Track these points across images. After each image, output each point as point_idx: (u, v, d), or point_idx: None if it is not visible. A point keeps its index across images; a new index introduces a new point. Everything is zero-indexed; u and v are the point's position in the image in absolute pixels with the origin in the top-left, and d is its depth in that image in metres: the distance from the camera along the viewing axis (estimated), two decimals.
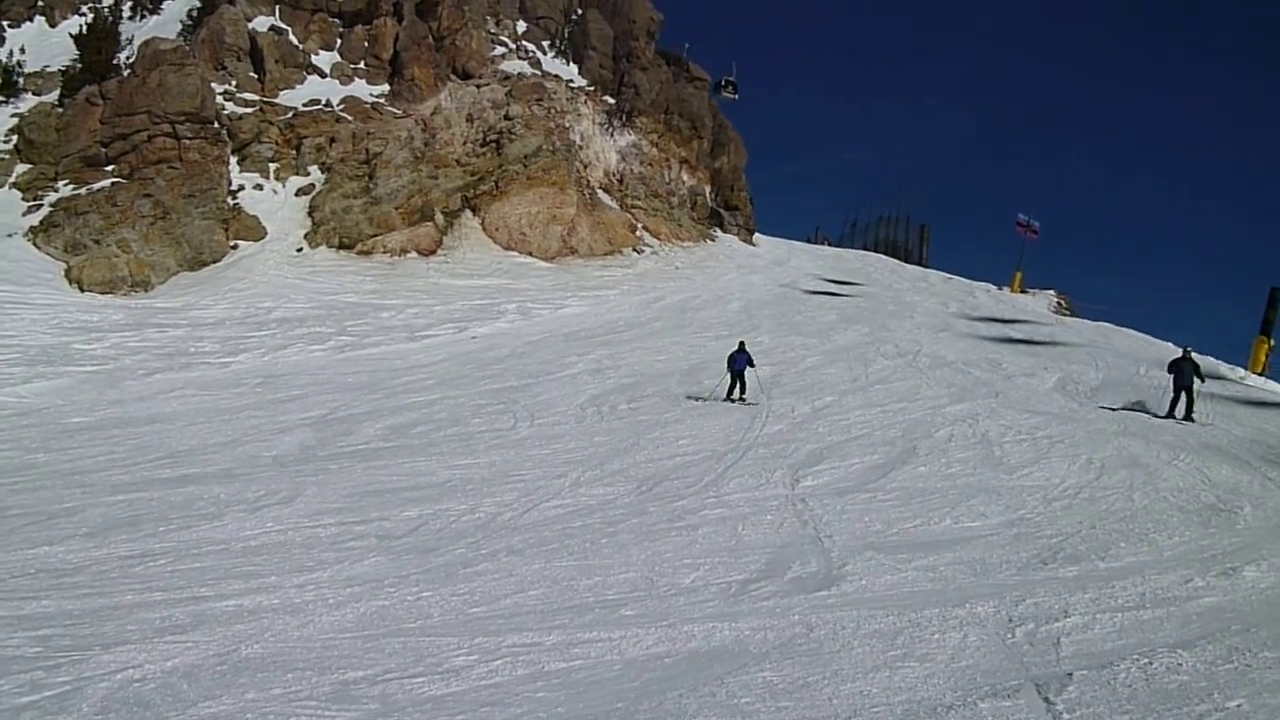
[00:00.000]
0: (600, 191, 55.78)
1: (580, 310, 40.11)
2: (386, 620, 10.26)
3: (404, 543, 13.30)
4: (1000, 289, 58.88)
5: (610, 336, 33.50)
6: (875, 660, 8.88)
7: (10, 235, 41.49)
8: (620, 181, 57.69)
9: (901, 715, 7.50)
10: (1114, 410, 23.04)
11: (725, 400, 23.72)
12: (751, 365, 24.23)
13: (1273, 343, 34.62)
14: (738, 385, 24.00)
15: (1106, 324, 42.82)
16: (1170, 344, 36.01)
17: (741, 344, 24.80)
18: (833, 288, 50.09)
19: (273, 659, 9.08)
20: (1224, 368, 30.55)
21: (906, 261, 75.71)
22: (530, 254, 49.26)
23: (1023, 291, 59.10)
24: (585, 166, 55.76)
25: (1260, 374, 31.82)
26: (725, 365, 24.58)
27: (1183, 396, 22.61)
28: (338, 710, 7.94)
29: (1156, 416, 22.50)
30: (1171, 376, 23.11)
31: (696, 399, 24.08)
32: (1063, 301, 59.70)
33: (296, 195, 48.46)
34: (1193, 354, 23.41)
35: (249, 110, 50.24)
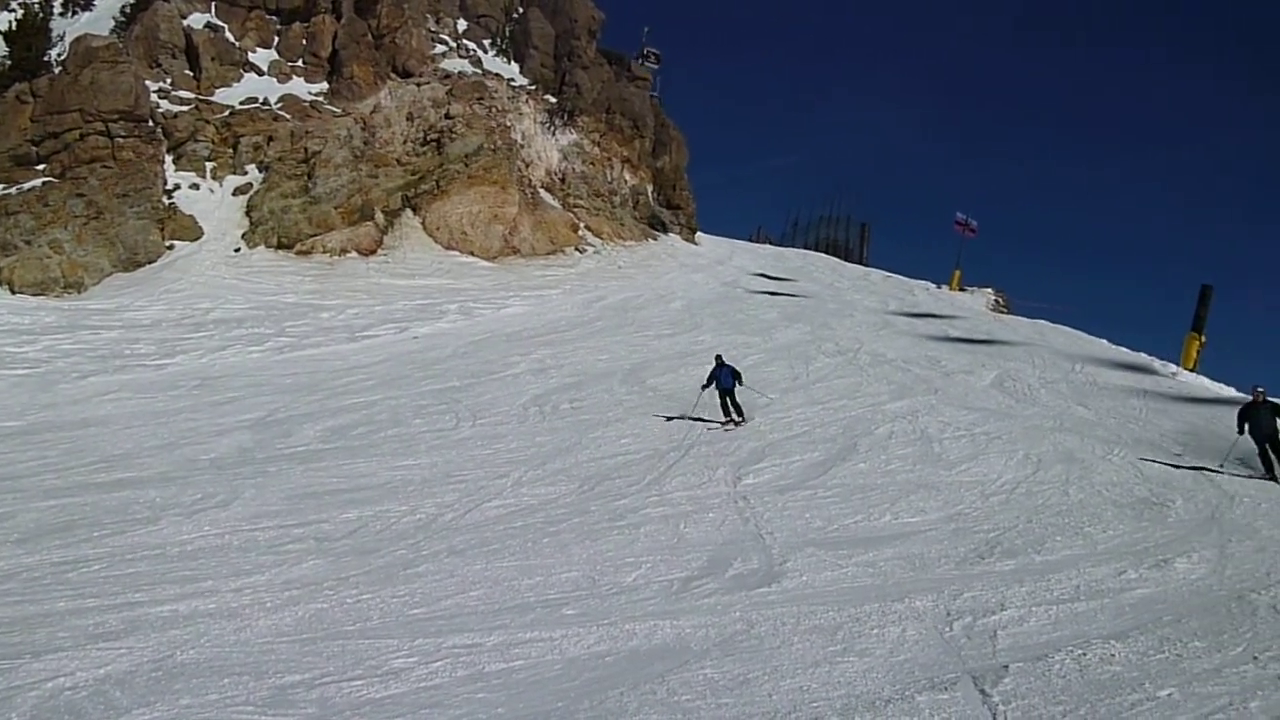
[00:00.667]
0: (542, 191, 55.66)
1: (523, 310, 39.99)
2: (325, 623, 10.16)
3: (343, 545, 13.18)
4: (939, 287, 59.50)
5: (553, 336, 33.44)
6: (815, 656, 8.95)
7: None
8: (562, 181, 57.60)
9: (840, 710, 7.56)
10: (1218, 471, 17.38)
11: (724, 425, 21.01)
12: (740, 382, 21.65)
13: (1204, 339, 35.30)
14: (731, 406, 21.48)
15: (1043, 322, 43.43)
16: (1104, 341, 36.61)
17: (720, 358, 22.38)
18: (775, 286, 50.34)
19: (209, 664, 8.97)
20: (1156, 364, 31.09)
21: (847, 260, 76.23)
22: (472, 253, 49.02)
23: (961, 289, 59.78)
24: (527, 166, 55.60)
25: (1192, 370, 32.41)
26: (710, 384, 21.74)
27: (1268, 451, 17.45)
28: (275, 715, 7.85)
29: (1254, 477, 17.27)
30: (1245, 425, 17.82)
31: (679, 418, 21.58)
32: (1000, 299, 60.43)
33: (234, 195, 47.86)
34: (1268, 398, 18.20)
35: (184, 108, 49.54)
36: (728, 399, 21.54)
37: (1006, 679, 8.10)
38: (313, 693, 8.33)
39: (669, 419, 21.77)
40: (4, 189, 42.70)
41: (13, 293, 37.87)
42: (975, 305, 53.16)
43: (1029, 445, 18.84)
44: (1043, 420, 21.36)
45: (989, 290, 61.72)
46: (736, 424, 21.06)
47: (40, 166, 43.41)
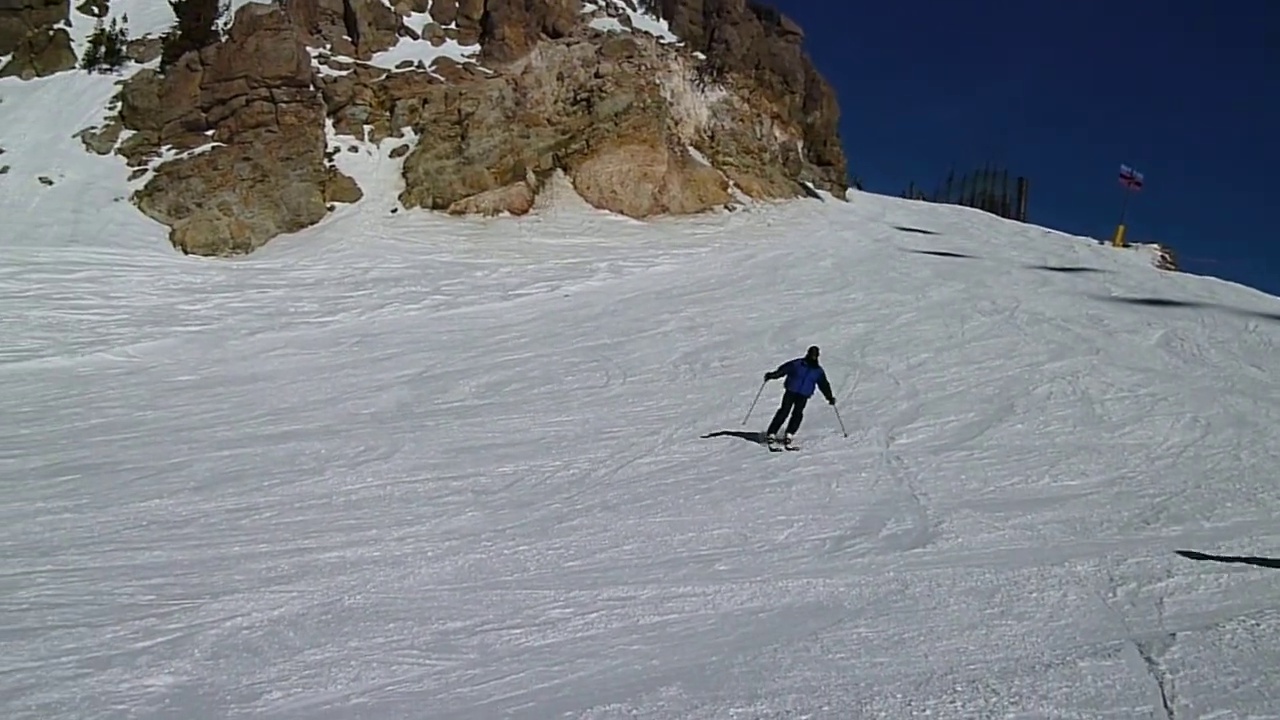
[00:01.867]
0: (691, 148, 55.45)
1: (672, 268, 40.04)
2: (484, 573, 10.42)
3: (500, 498, 13.48)
4: (1102, 243, 57.40)
5: (702, 294, 33.41)
6: (972, 618, 8.79)
7: (117, 200, 42.67)
8: (711, 138, 57.27)
9: (999, 673, 7.41)
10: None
11: (768, 441, 16.45)
12: (825, 387, 16.52)
13: None
14: (788, 418, 16.50)
15: (1213, 278, 41.56)
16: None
17: (813, 352, 16.85)
18: (928, 243, 49.28)
19: (375, 609, 9.29)
20: None
21: (1004, 216, 74.10)
22: (621, 212, 49.23)
23: (1126, 246, 57.54)
24: (676, 123, 55.44)
25: None
26: (781, 377, 16.75)
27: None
28: (438, 659, 8.09)
29: None
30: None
31: (710, 435, 17.06)
32: (1167, 255, 58.04)
33: (390, 156, 49.01)
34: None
35: (343, 73, 50.85)
36: (793, 408, 16.48)
37: (1174, 647, 7.82)
38: (473, 639, 8.56)
39: (702, 436, 17.09)
40: (176, 154, 44.62)
41: (185, 253, 39.63)
42: (1140, 262, 51.16)
43: (1197, 407, 18.09)
44: (1212, 382, 20.47)
45: (1155, 246, 59.31)
46: (785, 446, 16.16)
47: (209, 132, 45.20)
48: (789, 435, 16.35)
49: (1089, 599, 9.21)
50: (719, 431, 17.20)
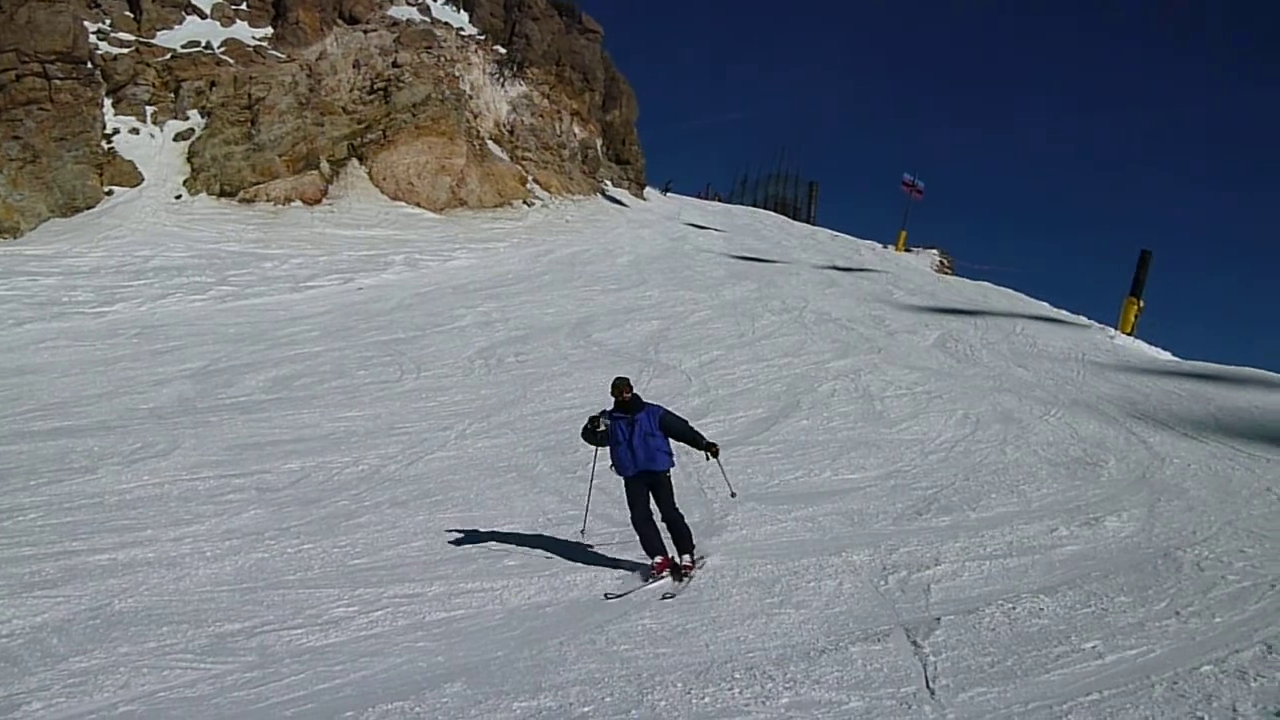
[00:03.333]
0: (490, 143, 55.14)
1: (469, 262, 39.75)
2: (266, 573, 10.17)
3: (285, 495, 13.15)
4: (885, 247, 59.87)
5: (499, 289, 33.30)
6: (752, 607, 9.09)
7: None
8: (511, 133, 57.09)
9: (776, 660, 7.70)
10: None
11: (651, 575, 10.06)
12: (679, 431, 10.37)
13: (1142, 304, 35.89)
14: (659, 529, 10.26)
15: (986, 283, 43.88)
16: (1045, 304, 37.09)
17: (620, 388, 10.41)
18: (723, 244, 50.40)
19: (147, 612, 8.95)
20: (1095, 327, 31.59)
21: (795, 219, 76.42)
22: (418, 205, 48.54)
23: (907, 250, 60.16)
24: (475, 117, 55.03)
25: (1129, 334, 32.96)
26: (605, 445, 10.40)
27: None
28: (213, 662, 7.87)
29: None
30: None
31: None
32: (945, 260, 60.92)
33: (175, 140, 46.93)
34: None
35: (124, 50, 48.39)
36: (654, 504, 10.22)
37: (938, 631, 8.28)
38: (252, 640, 8.35)
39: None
40: None
41: None
42: (920, 266, 53.60)
43: (968, 404, 19.12)
44: (983, 380, 21.67)
45: (934, 251, 62.18)
46: (684, 572, 10.04)
47: None
48: (680, 559, 10.13)
49: (863, 587, 9.64)
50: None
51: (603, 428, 10.27)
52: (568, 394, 19.67)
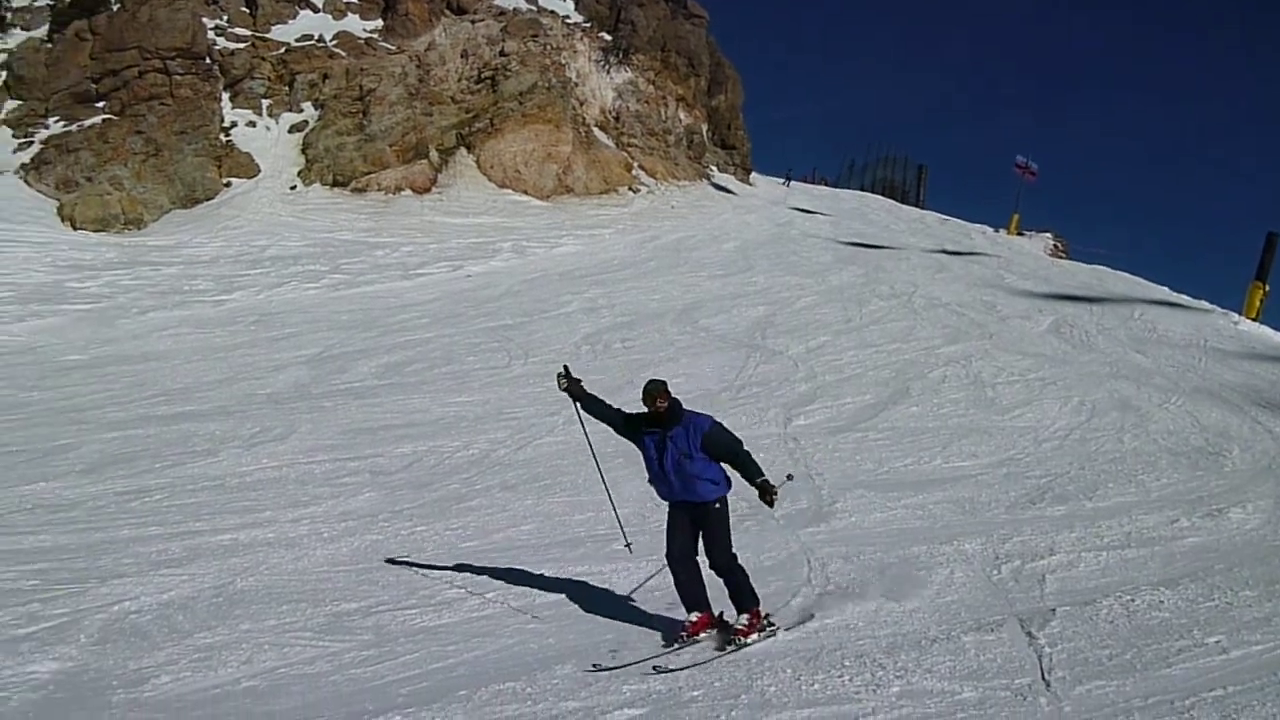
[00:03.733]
0: (596, 129, 55.35)
1: (575, 249, 40.00)
2: (380, 554, 10.39)
3: (398, 479, 13.41)
4: (997, 231, 58.66)
5: (605, 275, 33.44)
6: (862, 595, 9.00)
7: (1, 173, 41.22)
8: (616, 119, 57.23)
9: (886, 648, 7.62)
10: None
11: (674, 640, 7.98)
12: (731, 454, 8.05)
13: (1268, 288, 34.55)
14: (697, 576, 8.13)
15: (1103, 268, 42.68)
16: (1165, 289, 35.99)
17: (655, 395, 8.06)
18: (830, 229, 49.92)
19: (268, 591, 9.21)
20: (1218, 312, 30.55)
21: (904, 203, 75.32)
22: (525, 192, 48.97)
23: (1019, 234, 58.85)
24: (581, 104, 55.28)
25: (1255, 319, 31.77)
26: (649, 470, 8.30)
27: None
28: (331, 640, 8.06)
29: None
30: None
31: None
32: (1059, 244, 59.52)
33: (290, 132, 48.10)
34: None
35: (241, 45, 49.71)
36: (696, 541, 8.14)
37: (1053, 622, 8.11)
38: (368, 620, 8.54)
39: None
40: (65, 126, 43.21)
41: (74, 229, 38.41)
42: (1033, 250, 52.43)
43: (1084, 391, 18.64)
44: (1099, 367, 21.11)
45: (1048, 235, 60.81)
46: (736, 636, 7.89)
47: (100, 104, 43.86)
48: (727, 624, 8.01)
49: (975, 576, 9.48)
50: None
51: (564, 386, 8.57)
52: (675, 379, 19.51)
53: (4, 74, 45.63)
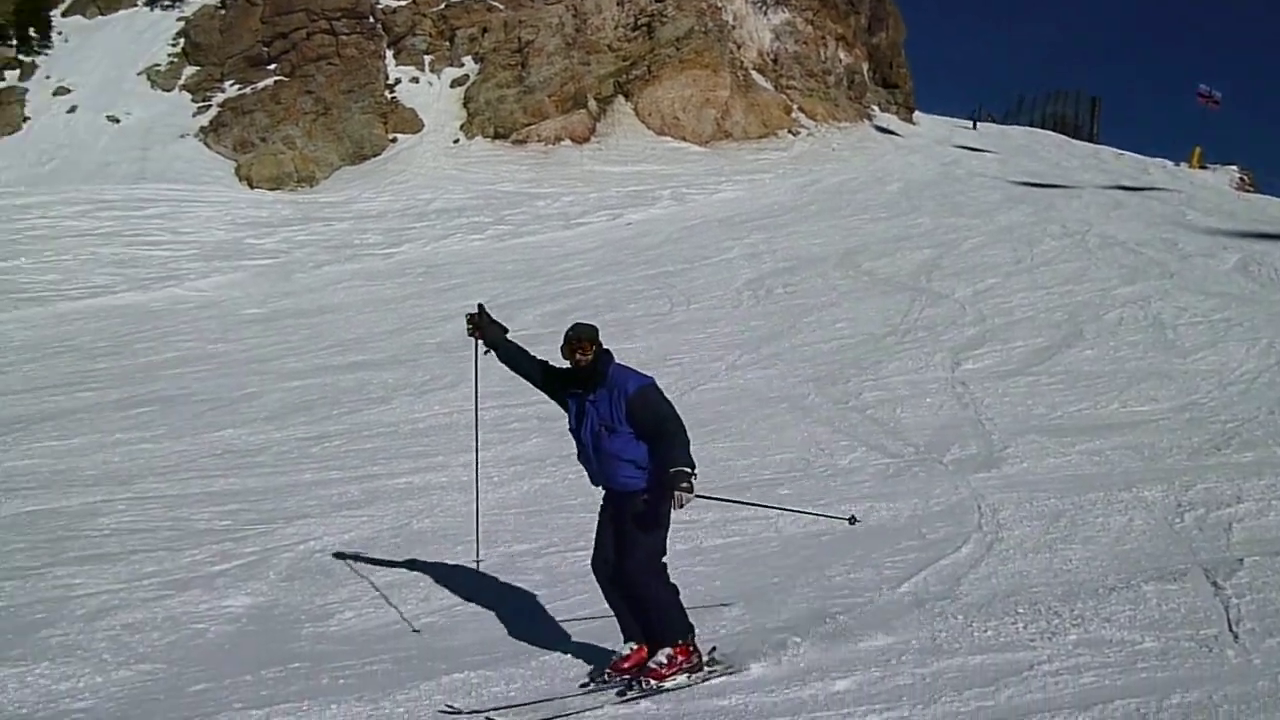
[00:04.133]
0: (754, 73, 54.70)
1: (735, 195, 39.73)
2: (549, 497, 10.58)
3: (562, 424, 13.54)
4: (1177, 165, 55.90)
5: (766, 221, 33.14)
6: (1035, 542, 8.74)
7: (183, 136, 43.21)
8: (774, 62, 56.43)
9: (1061, 596, 7.38)
10: None
11: (596, 678, 6.16)
12: (662, 452, 5.91)
13: None
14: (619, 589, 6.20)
15: None
16: None
17: (577, 340, 6.25)
18: (998, 167, 48.35)
19: (442, 532, 9.49)
20: None
21: (1075, 138, 72.31)
22: (684, 139, 48.86)
23: (1202, 168, 55.92)
24: (738, 47, 54.67)
25: None
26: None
27: None
28: (507, 579, 8.26)
29: None
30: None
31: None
32: (1245, 177, 56.31)
33: (451, 87, 49.01)
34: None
35: (402, 3, 50.71)
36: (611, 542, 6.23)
37: (1241, 572, 7.71)
38: (538, 561, 8.73)
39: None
40: (239, 89, 44.98)
41: (251, 187, 40.10)
42: (1217, 184, 49.80)
43: (1274, 333, 17.63)
44: None
45: (1233, 168, 57.54)
46: (647, 680, 5.92)
47: (271, 66, 45.48)
48: (653, 659, 6.05)
49: (1155, 524, 9.11)
50: None
51: (473, 331, 6.90)
52: (838, 324, 19.40)
53: (182, 41, 47.63)
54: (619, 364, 6.30)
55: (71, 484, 11.33)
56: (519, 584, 8.22)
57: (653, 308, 21.63)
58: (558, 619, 7.49)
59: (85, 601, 7.82)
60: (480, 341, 6.87)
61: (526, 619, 7.50)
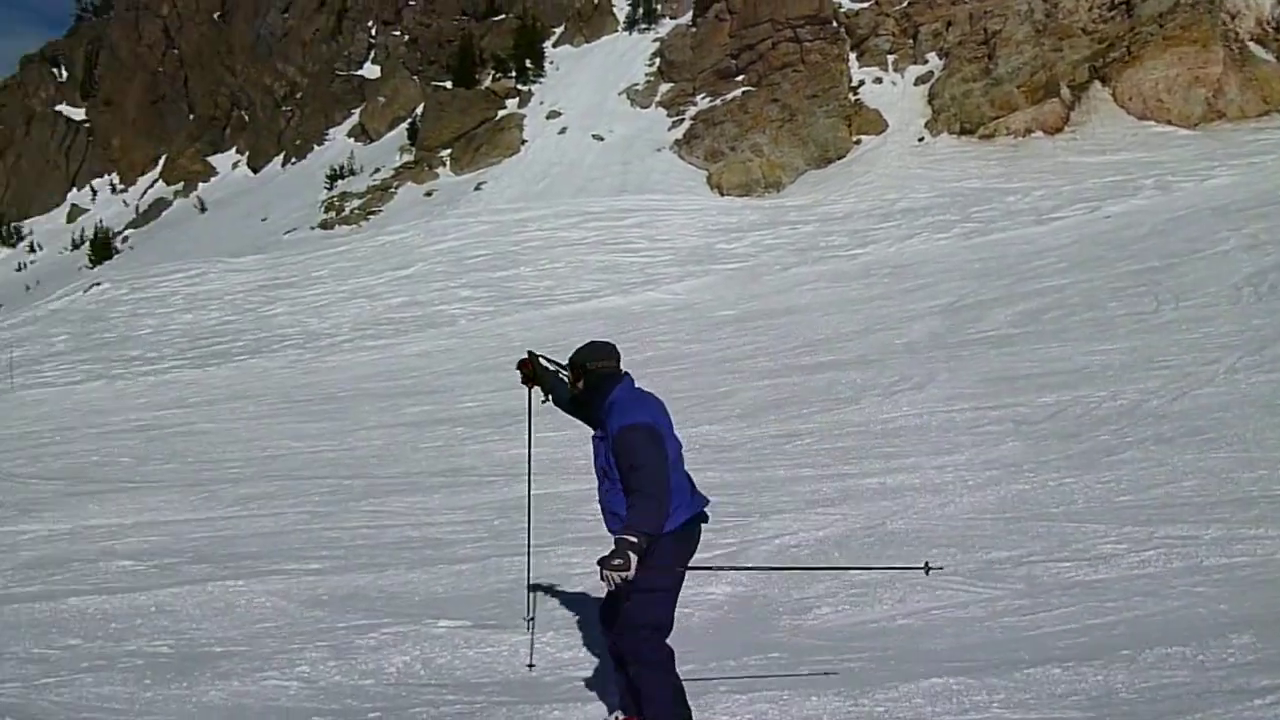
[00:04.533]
0: (1251, 44, 49.55)
1: (1230, 180, 36.22)
2: (1028, 504, 10.14)
3: (1041, 428, 13.03)
4: None
5: (1268, 209, 29.90)
6: None
7: (659, 150, 45.88)
8: (1277, 29, 50.84)
9: None
10: None
11: None
12: (628, 487, 4.94)
13: None
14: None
15: None
16: None
17: (587, 364, 5.17)
18: None
19: (916, 534, 9.36)
20: None
21: None
22: (1169, 122, 45.24)
23: None
24: (1232, 18, 49.73)
25: None
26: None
27: None
28: (983, 587, 8.01)
29: None
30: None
31: None
32: None
33: (915, 85, 48.53)
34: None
35: (864, 5, 50.91)
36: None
37: None
38: (1019, 569, 8.38)
39: None
40: (710, 102, 47.09)
41: (721, 195, 41.85)
42: None
43: None
44: None
45: None
46: None
47: (739, 78, 47.21)
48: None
49: None
50: None
51: (526, 379, 5.78)
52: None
53: (658, 60, 50.62)
54: (625, 393, 5.16)
55: (565, 471, 12.35)
56: (998, 591, 7.94)
57: (1136, 306, 20.20)
58: (1041, 630, 7.15)
59: (582, 580, 8.46)
60: (534, 389, 5.86)
61: (1006, 629, 7.23)
